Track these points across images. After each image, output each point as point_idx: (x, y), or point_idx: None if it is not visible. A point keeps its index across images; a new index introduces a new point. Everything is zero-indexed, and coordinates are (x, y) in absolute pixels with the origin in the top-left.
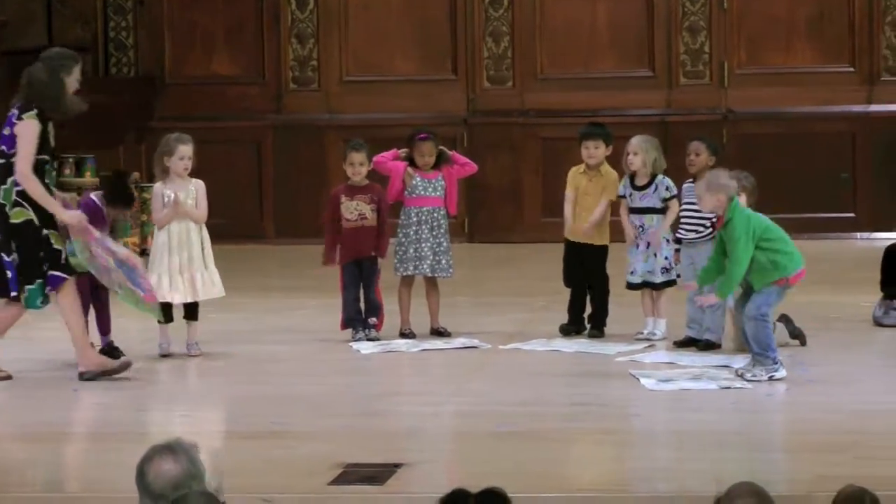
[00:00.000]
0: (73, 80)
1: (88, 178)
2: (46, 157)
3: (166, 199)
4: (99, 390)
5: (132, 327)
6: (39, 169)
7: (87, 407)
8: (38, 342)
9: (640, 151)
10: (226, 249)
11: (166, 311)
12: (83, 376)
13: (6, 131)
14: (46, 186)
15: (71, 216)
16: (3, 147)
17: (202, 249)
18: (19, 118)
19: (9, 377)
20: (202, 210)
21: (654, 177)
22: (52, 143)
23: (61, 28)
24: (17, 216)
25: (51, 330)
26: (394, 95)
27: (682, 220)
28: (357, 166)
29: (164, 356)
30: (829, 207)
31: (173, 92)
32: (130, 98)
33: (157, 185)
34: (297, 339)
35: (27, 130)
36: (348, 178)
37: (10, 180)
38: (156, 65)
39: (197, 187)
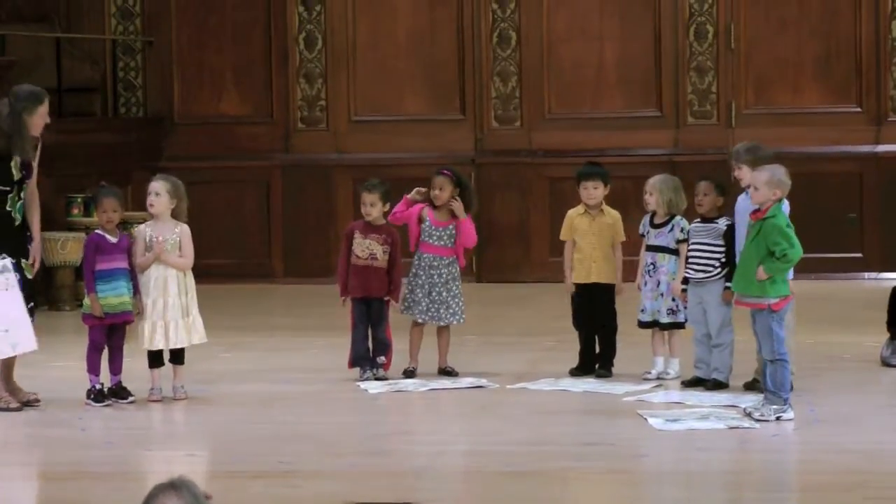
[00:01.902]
0: (37, 119)
1: (97, 217)
2: (7, 188)
3: (149, 241)
4: (106, 430)
5: (138, 367)
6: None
7: (94, 446)
8: (46, 381)
9: (655, 192)
10: (234, 289)
11: (155, 356)
12: None
13: None
14: (8, 213)
15: None
16: None
17: (185, 296)
18: None
19: (37, 400)
20: (187, 257)
21: (672, 217)
22: (17, 174)
23: (70, 68)
24: None
25: (58, 369)
26: (402, 135)
27: (691, 260)
28: (368, 206)
29: (155, 401)
30: (837, 247)
31: (182, 132)
32: (139, 138)
33: (141, 227)
34: (305, 379)
35: None
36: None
37: None
38: (164, 105)
39: (182, 233)
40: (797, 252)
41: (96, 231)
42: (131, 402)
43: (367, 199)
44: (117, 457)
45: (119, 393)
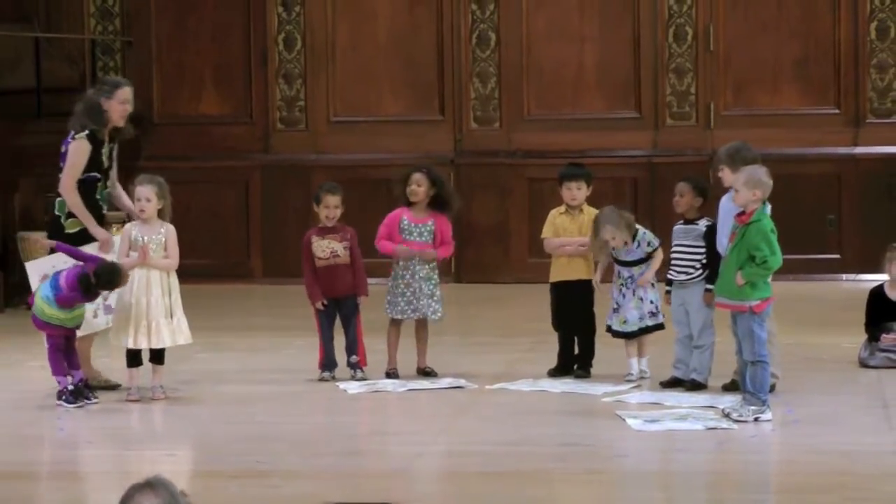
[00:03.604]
0: (114, 104)
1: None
2: (97, 175)
3: (134, 240)
4: (85, 430)
5: (117, 366)
6: (90, 185)
7: (72, 446)
8: (24, 381)
9: (617, 235)
10: (213, 289)
11: (134, 355)
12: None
13: (63, 149)
14: (96, 201)
15: (101, 232)
16: (61, 163)
17: (168, 296)
18: (73, 138)
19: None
20: (172, 258)
21: (634, 235)
22: (106, 162)
23: (50, 68)
24: (72, 226)
25: (36, 369)
26: (381, 136)
27: (673, 262)
28: (332, 209)
29: (133, 401)
30: (815, 248)
31: (161, 131)
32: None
33: (128, 226)
34: (284, 379)
35: (74, 149)
36: (320, 221)
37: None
38: (144, 104)
39: (167, 234)
40: (777, 260)
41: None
42: (95, 403)
43: (332, 201)
44: (96, 456)
45: (83, 392)
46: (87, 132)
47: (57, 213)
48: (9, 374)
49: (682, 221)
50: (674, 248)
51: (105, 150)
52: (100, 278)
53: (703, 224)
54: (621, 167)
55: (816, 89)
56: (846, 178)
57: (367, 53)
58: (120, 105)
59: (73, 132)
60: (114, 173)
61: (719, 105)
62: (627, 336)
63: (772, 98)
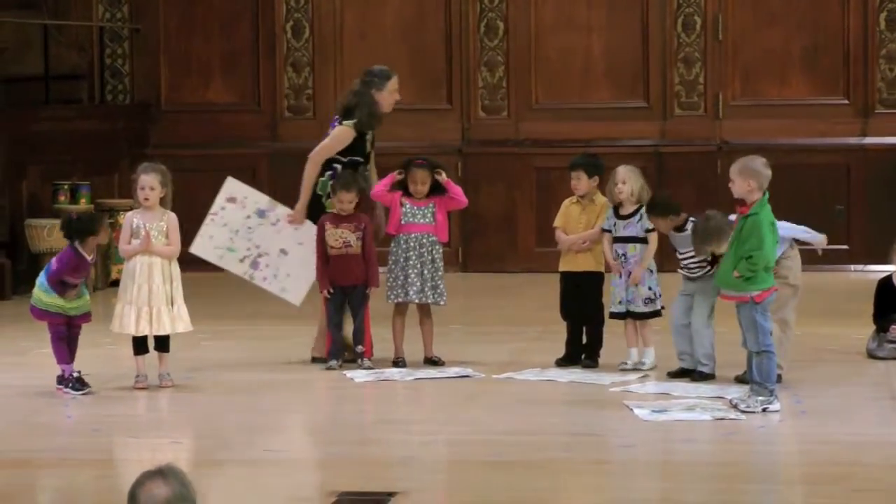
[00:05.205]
0: (384, 94)
1: (83, 204)
2: (359, 159)
3: (135, 229)
4: (93, 417)
5: (124, 354)
6: (353, 168)
7: (80, 433)
8: (33, 368)
9: (629, 181)
10: (219, 277)
11: (140, 343)
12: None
13: (330, 129)
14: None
15: (300, 209)
16: (324, 138)
17: (170, 284)
18: (341, 123)
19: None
20: (174, 246)
21: (639, 206)
22: (368, 147)
23: (58, 55)
24: (332, 206)
25: (46, 356)
26: (388, 124)
27: (682, 265)
28: (346, 203)
29: (141, 388)
30: None
31: (168, 119)
32: (126, 125)
33: (129, 214)
34: (291, 367)
35: (338, 133)
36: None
37: (327, 174)
38: (151, 92)
39: (169, 222)
40: (763, 256)
41: (77, 250)
42: (85, 394)
43: (346, 197)
44: (103, 444)
45: (78, 382)
46: (354, 121)
47: (318, 191)
48: (16, 362)
49: (673, 230)
50: (680, 256)
51: (369, 137)
52: (80, 220)
53: (691, 227)
54: (629, 157)
55: (825, 79)
56: (854, 169)
57: (375, 42)
58: (390, 95)
59: (339, 117)
60: (372, 157)
61: (727, 95)
62: (616, 316)
63: (780, 88)
